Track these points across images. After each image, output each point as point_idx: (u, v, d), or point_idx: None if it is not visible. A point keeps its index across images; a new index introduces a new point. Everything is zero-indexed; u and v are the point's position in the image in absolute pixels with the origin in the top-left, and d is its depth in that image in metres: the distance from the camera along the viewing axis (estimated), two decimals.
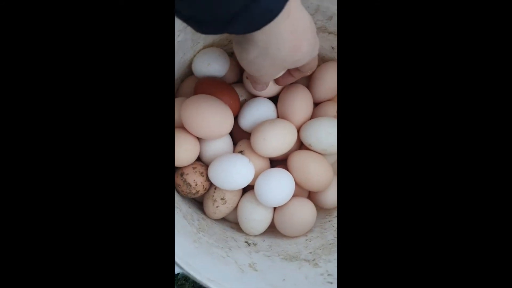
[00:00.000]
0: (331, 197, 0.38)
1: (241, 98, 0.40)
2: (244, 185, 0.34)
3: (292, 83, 0.39)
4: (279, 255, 0.33)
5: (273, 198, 0.34)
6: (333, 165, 0.40)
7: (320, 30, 0.37)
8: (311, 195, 0.39)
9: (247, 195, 0.37)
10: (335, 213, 0.38)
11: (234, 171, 0.33)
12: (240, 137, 0.40)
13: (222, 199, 0.36)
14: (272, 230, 0.38)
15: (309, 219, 0.36)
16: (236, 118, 0.39)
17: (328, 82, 0.39)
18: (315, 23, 0.36)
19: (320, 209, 0.40)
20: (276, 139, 0.35)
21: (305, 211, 0.36)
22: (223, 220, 0.39)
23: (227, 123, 0.34)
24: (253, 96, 0.40)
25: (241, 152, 0.37)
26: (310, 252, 0.33)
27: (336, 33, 0.36)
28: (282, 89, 0.40)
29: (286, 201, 0.35)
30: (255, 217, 0.36)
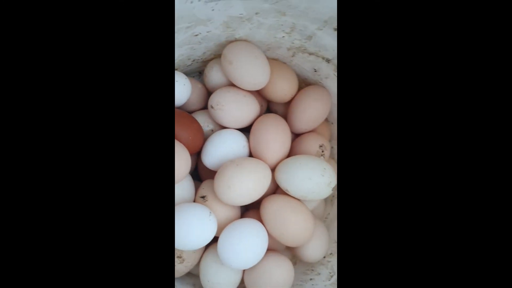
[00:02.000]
0: (313, 249, 0.32)
1: (207, 128, 0.34)
2: (202, 244, 0.28)
3: (267, 112, 0.33)
4: None
5: (240, 259, 0.28)
6: (315, 210, 0.34)
7: (299, 50, 0.30)
8: (289, 246, 0.33)
9: (211, 251, 0.30)
10: (318, 269, 0.32)
11: (190, 227, 0.27)
12: (206, 176, 0.34)
13: (179, 257, 0.29)
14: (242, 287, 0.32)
15: (285, 280, 0.30)
16: (200, 153, 0.33)
17: (310, 110, 0.33)
18: (292, 42, 0.30)
19: (300, 261, 0.34)
20: (245, 186, 0.28)
21: (280, 271, 0.29)
22: (184, 276, 0.33)
23: (182, 167, 0.27)
24: (222, 126, 0.34)
25: (203, 197, 0.31)
26: None
27: (318, 54, 0.30)
28: (255, 119, 0.33)
29: (256, 262, 0.28)
30: (220, 280, 0.29)
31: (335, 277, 0.30)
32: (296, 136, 0.35)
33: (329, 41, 0.28)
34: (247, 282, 0.30)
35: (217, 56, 0.34)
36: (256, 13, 0.27)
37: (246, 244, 0.28)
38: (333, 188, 0.29)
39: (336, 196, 0.35)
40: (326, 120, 0.36)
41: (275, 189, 0.33)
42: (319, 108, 0.33)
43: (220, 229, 0.29)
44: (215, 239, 0.29)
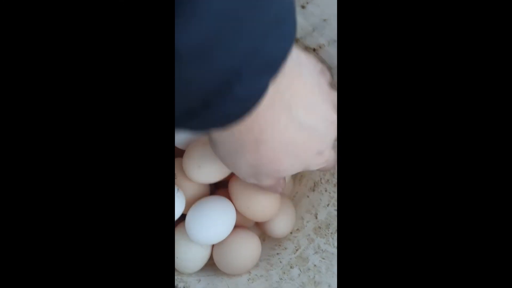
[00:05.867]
0: (280, 225, 0.33)
1: None
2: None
3: None
4: None
5: (208, 234, 0.28)
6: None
7: None
8: (258, 224, 0.34)
9: (179, 228, 0.31)
10: (285, 244, 0.33)
11: None
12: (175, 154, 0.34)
13: None
14: (211, 263, 0.32)
15: (252, 255, 0.30)
16: None
17: None
18: None
19: (269, 238, 0.35)
20: (215, 164, 0.28)
21: (247, 246, 0.30)
22: None
23: None
24: None
25: None
26: None
27: None
28: None
29: (224, 237, 0.29)
30: (189, 256, 0.30)
31: (300, 250, 0.31)
32: None
33: (297, 19, 0.28)
34: (215, 257, 0.31)
35: None
36: None
37: (214, 220, 0.28)
38: None
39: (304, 174, 0.36)
40: None
41: None
42: None
43: (188, 206, 0.30)
44: (183, 217, 0.30)
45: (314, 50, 0.30)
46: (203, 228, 0.28)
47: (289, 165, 0.20)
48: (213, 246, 0.31)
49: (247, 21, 0.12)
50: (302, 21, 0.28)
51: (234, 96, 0.13)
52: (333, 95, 0.22)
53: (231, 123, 0.15)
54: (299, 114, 0.18)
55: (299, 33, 0.29)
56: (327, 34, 0.27)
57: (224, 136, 0.18)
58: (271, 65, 0.14)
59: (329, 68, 0.29)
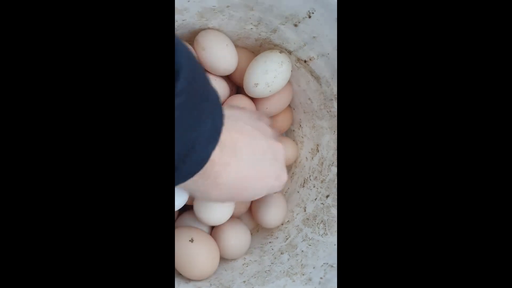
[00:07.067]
0: (272, 217, 0.36)
1: None
2: (178, 207, 0.32)
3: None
4: (211, 284, 0.31)
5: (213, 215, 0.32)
6: None
7: (266, 42, 0.34)
8: (253, 213, 0.37)
9: (186, 215, 0.34)
10: (277, 234, 0.37)
11: None
12: None
13: None
14: None
15: (245, 241, 0.34)
16: None
17: (274, 97, 0.37)
18: (259, 34, 0.34)
19: (262, 228, 0.39)
20: None
21: (240, 233, 0.34)
22: None
23: None
24: None
25: None
26: (244, 281, 0.31)
27: (281, 46, 0.34)
28: (225, 101, 0.37)
29: (224, 221, 0.33)
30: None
31: (290, 239, 0.35)
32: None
33: (291, 35, 0.32)
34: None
35: (190, 43, 0.37)
36: (227, 6, 0.30)
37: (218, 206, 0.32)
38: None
39: (296, 172, 0.40)
40: (289, 106, 0.41)
41: None
42: (282, 96, 0.37)
43: (192, 198, 0.33)
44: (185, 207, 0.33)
45: (305, 61, 0.34)
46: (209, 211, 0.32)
47: (250, 195, 0.27)
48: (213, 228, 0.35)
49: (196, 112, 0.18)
50: (295, 37, 0.32)
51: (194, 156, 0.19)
52: (274, 132, 0.28)
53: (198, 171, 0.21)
54: (243, 155, 0.24)
55: (293, 46, 0.33)
56: (316, 49, 0.31)
57: (193, 185, 0.23)
58: (214, 137, 0.20)
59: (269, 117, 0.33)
